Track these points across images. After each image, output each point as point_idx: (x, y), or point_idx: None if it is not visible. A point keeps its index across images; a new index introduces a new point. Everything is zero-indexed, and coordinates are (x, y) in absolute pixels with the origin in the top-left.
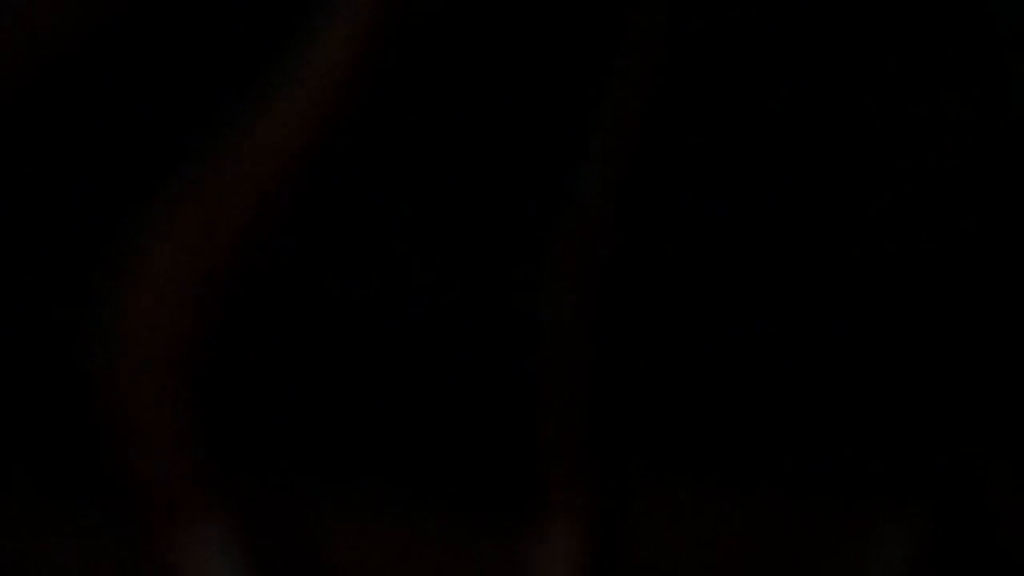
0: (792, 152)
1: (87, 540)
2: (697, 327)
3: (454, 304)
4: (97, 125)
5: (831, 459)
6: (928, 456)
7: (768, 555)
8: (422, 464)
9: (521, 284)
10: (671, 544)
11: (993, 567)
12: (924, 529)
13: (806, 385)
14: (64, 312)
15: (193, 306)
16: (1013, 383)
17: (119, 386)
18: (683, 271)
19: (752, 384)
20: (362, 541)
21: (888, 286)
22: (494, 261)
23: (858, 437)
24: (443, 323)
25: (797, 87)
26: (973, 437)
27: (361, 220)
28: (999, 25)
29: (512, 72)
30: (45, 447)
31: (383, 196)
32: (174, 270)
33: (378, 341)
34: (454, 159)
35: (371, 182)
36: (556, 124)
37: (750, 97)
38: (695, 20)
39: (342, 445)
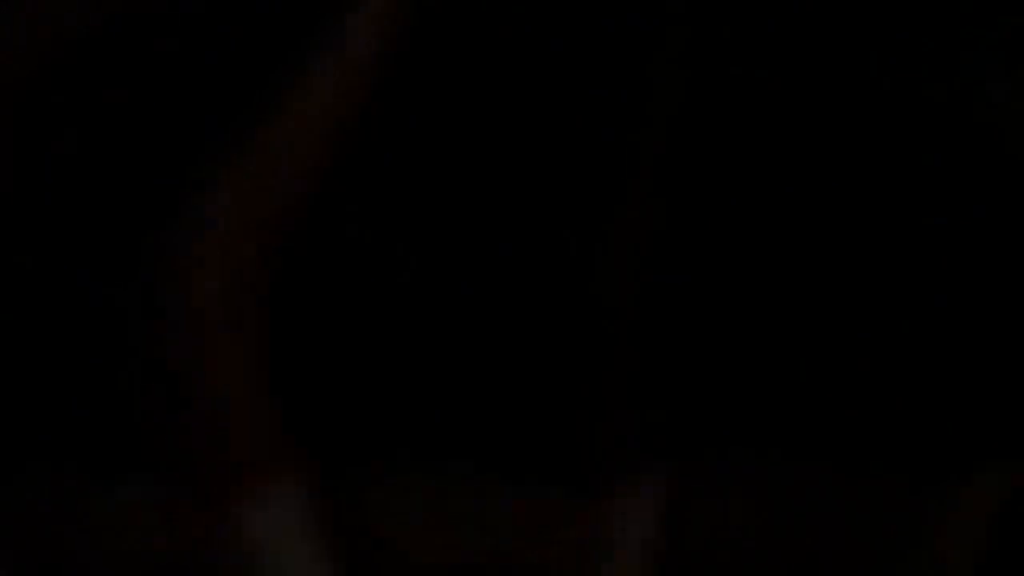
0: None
1: (149, 500)
2: (759, 295)
3: (515, 268)
4: (165, 78)
5: (898, 427)
6: (998, 417)
7: (837, 527)
8: (489, 431)
9: (580, 251)
10: (735, 515)
11: None
12: (999, 490)
13: (871, 353)
14: (133, 262)
15: (261, 256)
16: None
17: (190, 334)
18: (739, 245)
19: (816, 353)
20: (428, 511)
21: (940, 254)
22: (553, 228)
23: (921, 402)
24: (508, 286)
25: (830, 81)
26: None
27: (429, 177)
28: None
29: (561, 46)
30: (111, 404)
31: (440, 153)
32: (242, 216)
33: (445, 306)
34: (508, 122)
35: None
36: (609, 88)
37: (786, 92)
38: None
39: (408, 410)
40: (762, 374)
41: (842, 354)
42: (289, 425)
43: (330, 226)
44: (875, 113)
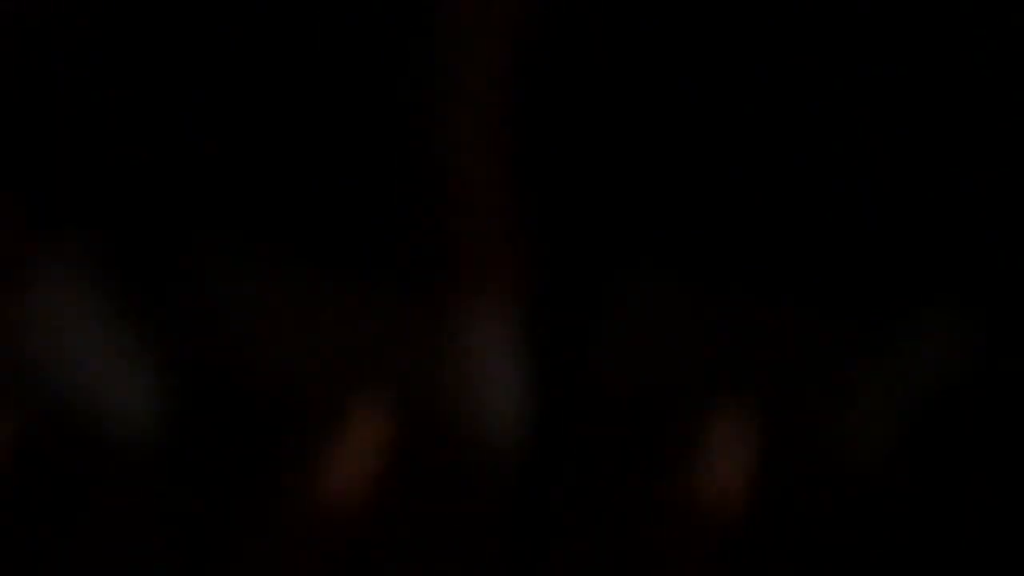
0: None
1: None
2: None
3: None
4: None
5: (848, 256)
6: (948, 255)
7: (779, 350)
8: (352, 227)
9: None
10: (635, 333)
11: None
12: (945, 331)
13: (821, 179)
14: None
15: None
16: None
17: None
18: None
19: (765, 175)
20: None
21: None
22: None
23: (872, 234)
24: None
25: None
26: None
27: None
28: None
29: None
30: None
31: None
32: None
33: None
34: None
35: None
36: None
37: None
38: None
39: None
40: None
41: (789, 180)
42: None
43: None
44: None
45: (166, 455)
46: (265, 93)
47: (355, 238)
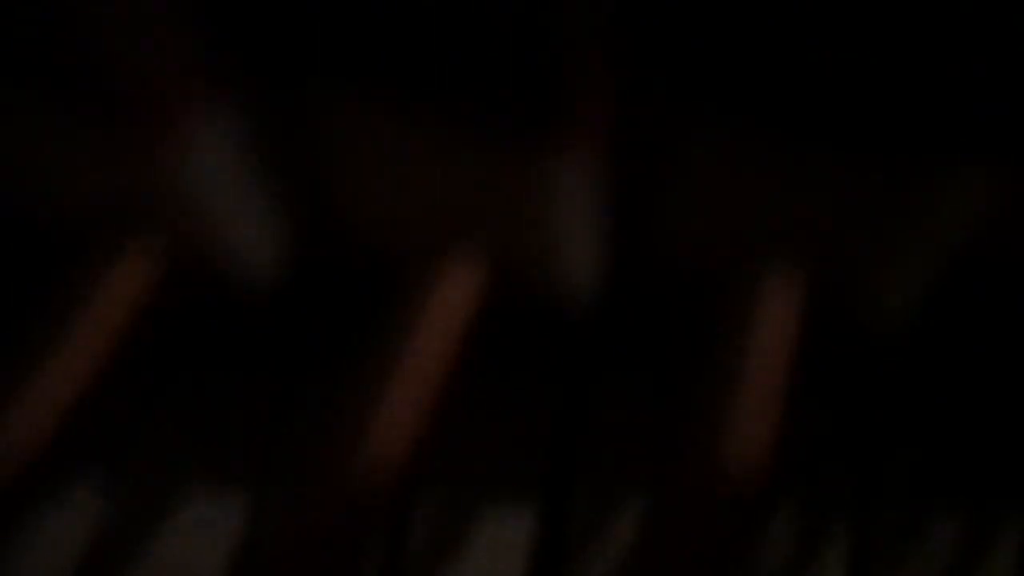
0: None
1: (75, 136)
2: None
3: None
4: None
5: (890, 110)
6: (988, 114)
7: (821, 201)
8: (443, 72)
9: None
10: (708, 182)
11: None
12: (984, 187)
13: (869, 32)
14: None
15: None
16: None
17: None
18: None
19: (816, 31)
20: (378, 152)
21: None
22: None
23: (915, 89)
24: None
25: None
26: None
27: None
28: None
29: None
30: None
31: None
32: None
33: None
34: None
35: None
36: None
37: None
38: None
39: (358, 42)
40: (753, 43)
41: (840, 33)
42: (223, 49)
43: None
44: None
45: (287, 301)
46: None
47: (450, 92)
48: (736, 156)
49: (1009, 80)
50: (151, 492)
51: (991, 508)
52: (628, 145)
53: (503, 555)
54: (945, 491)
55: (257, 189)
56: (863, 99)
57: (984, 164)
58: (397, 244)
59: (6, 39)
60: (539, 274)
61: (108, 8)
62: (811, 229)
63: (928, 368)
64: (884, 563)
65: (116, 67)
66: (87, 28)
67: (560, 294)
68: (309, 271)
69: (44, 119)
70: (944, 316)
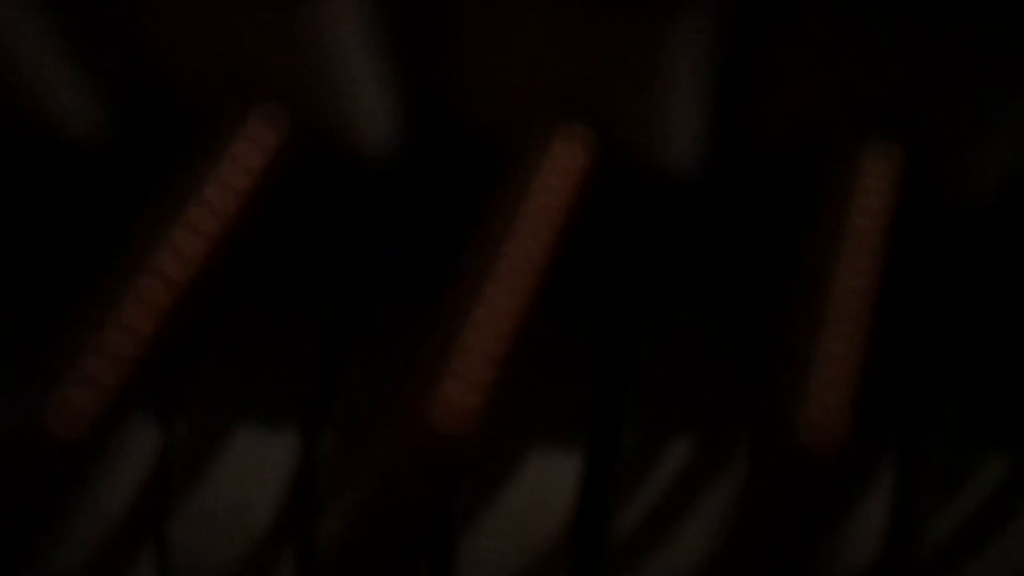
0: None
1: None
2: None
3: None
4: None
5: None
6: None
7: (919, 68)
8: None
9: None
10: (812, 48)
11: None
12: None
13: None
14: None
15: None
16: None
17: None
18: None
19: None
20: (496, 22)
21: None
22: None
23: None
24: None
25: None
26: None
27: None
28: None
29: None
30: None
31: None
32: None
33: None
34: None
35: None
36: None
37: None
38: None
39: None
40: None
41: None
42: None
43: None
44: None
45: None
46: None
47: None
48: (839, 21)
49: None
50: (208, 423)
51: None
52: (738, 9)
53: (550, 491)
54: (996, 427)
55: (381, 61)
56: None
57: None
58: (505, 123)
59: None
60: (644, 143)
61: None
62: (910, 97)
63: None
64: (931, 501)
65: None
66: None
67: (664, 166)
68: (423, 150)
69: None
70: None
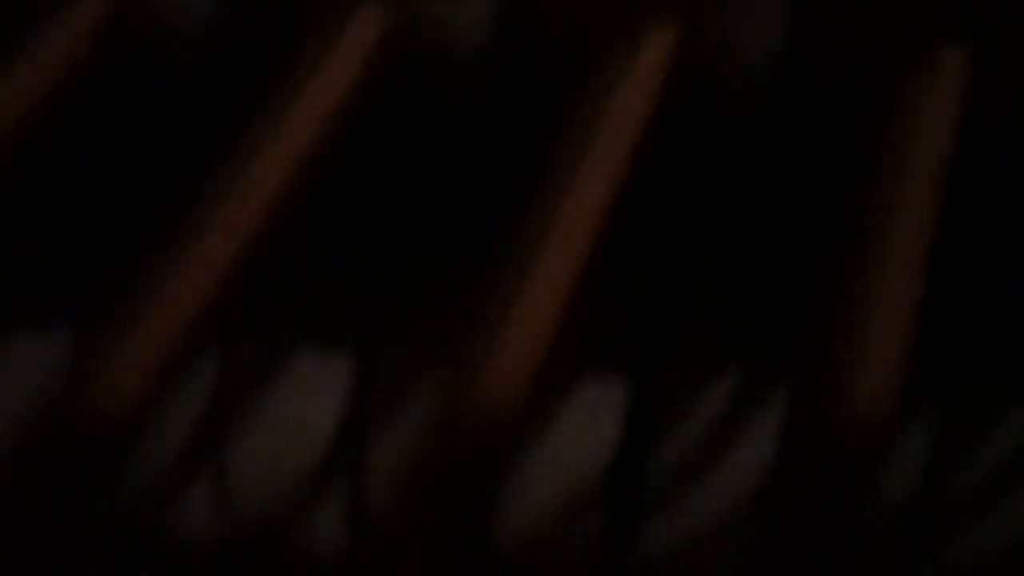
0: None
1: None
2: None
3: None
4: None
5: None
6: None
7: None
8: None
9: None
10: None
11: None
12: None
13: None
14: None
15: None
16: None
17: None
18: None
19: None
20: None
21: None
22: None
23: None
24: None
25: None
26: None
27: None
28: None
29: None
30: None
31: None
32: None
33: None
34: None
35: None
36: None
37: None
38: None
39: None
40: None
41: None
42: None
43: None
44: None
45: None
46: None
47: None
48: None
49: None
50: (269, 349)
51: None
52: None
53: (592, 433)
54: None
55: None
56: None
57: None
58: (585, 30)
59: None
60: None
61: None
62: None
63: None
64: (963, 458)
65: None
66: None
67: (738, 78)
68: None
69: None
70: None
